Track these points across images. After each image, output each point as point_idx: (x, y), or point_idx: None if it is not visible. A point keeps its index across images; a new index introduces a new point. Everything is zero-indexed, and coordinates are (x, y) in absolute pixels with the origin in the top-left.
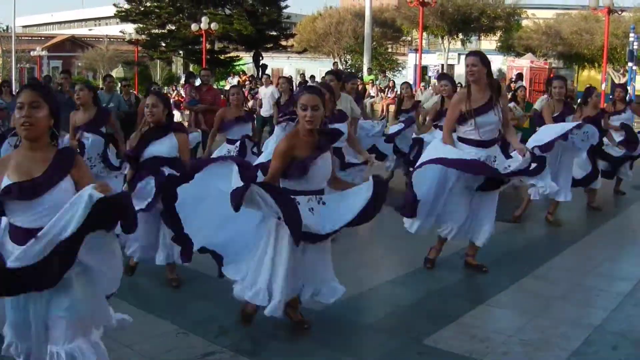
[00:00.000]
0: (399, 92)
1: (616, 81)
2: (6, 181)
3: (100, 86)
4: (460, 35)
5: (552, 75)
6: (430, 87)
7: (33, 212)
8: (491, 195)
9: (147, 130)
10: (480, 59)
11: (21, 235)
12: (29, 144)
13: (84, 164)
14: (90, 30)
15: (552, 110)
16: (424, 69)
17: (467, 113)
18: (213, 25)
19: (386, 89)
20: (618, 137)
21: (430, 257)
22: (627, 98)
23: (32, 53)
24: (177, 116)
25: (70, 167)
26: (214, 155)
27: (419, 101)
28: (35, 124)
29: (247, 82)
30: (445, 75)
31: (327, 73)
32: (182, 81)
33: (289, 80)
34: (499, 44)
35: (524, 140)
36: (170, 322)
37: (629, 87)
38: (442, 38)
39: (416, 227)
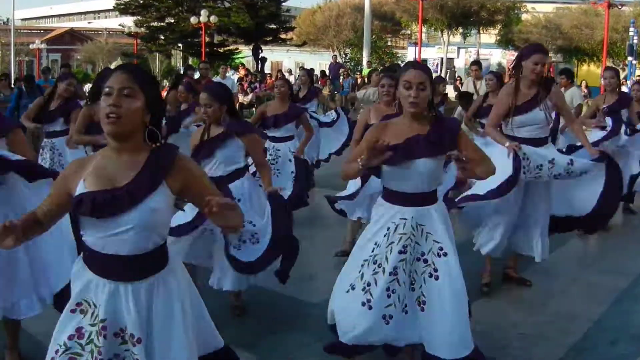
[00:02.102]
0: None
1: None
2: (81, 188)
3: None
4: (460, 29)
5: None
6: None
7: (108, 232)
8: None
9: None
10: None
11: (97, 261)
12: (117, 144)
13: (194, 166)
14: (89, 23)
15: (601, 103)
16: (423, 63)
17: (511, 110)
18: (212, 18)
19: None
20: None
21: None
22: None
23: (31, 46)
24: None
25: (165, 174)
26: None
27: (447, 94)
28: (125, 116)
29: (245, 76)
30: (493, 71)
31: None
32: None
33: (309, 72)
34: (498, 38)
35: None
36: None
37: (628, 82)
38: (442, 31)
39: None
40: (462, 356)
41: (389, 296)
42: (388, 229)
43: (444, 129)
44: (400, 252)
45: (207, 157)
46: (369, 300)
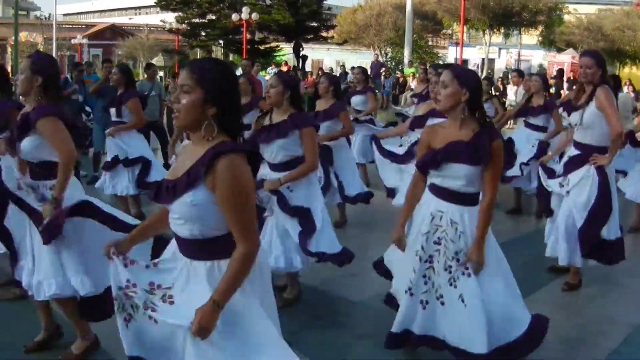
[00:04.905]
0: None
1: None
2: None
3: (141, 75)
4: (502, 29)
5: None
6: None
7: (171, 216)
8: None
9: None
10: (596, 61)
11: (177, 240)
12: (192, 136)
13: (228, 180)
14: (130, 19)
15: None
16: (464, 63)
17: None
18: (253, 15)
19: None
20: None
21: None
22: None
23: (72, 41)
24: None
25: (203, 173)
26: None
27: (495, 95)
28: (181, 111)
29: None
30: (539, 73)
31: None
32: None
33: (364, 70)
34: (540, 39)
35: None
36: None
37: None
38: (483, 32)
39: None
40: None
41: (425, 283)
42: (432, 219)
43: (484, 137)
44: (435, 243)
45: (266, 142)
46: (410, 288)
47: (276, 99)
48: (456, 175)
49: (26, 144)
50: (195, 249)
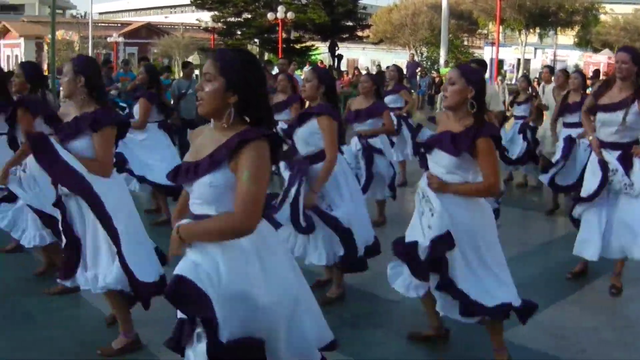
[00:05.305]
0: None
1: None
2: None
3: (177, 74)
4: (538, 29)
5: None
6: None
7: (190, 197)
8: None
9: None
10: (632, 57)
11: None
12: (214, 122)
13: (247, 158)
14: (166, 17)
15: None
16: (499, 63)
17: (593, 106)
18: (289, 15)
19: None
20: None
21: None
22: None
23: (108, 39)
24: None
25: (228, 157)
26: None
27: (534, 95)
28: (204, 99)
29: None
30: (577, 70)
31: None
32: None
33: (399, 69)
34: (576, 39)
35: None
36: None
37: None
38: (519, 32)
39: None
40: None
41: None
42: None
43: (470, 132)
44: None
45: (290, 133)
46: None
47: (311, 92)
48: (438, 162)
49: (77, 144)
50: None
